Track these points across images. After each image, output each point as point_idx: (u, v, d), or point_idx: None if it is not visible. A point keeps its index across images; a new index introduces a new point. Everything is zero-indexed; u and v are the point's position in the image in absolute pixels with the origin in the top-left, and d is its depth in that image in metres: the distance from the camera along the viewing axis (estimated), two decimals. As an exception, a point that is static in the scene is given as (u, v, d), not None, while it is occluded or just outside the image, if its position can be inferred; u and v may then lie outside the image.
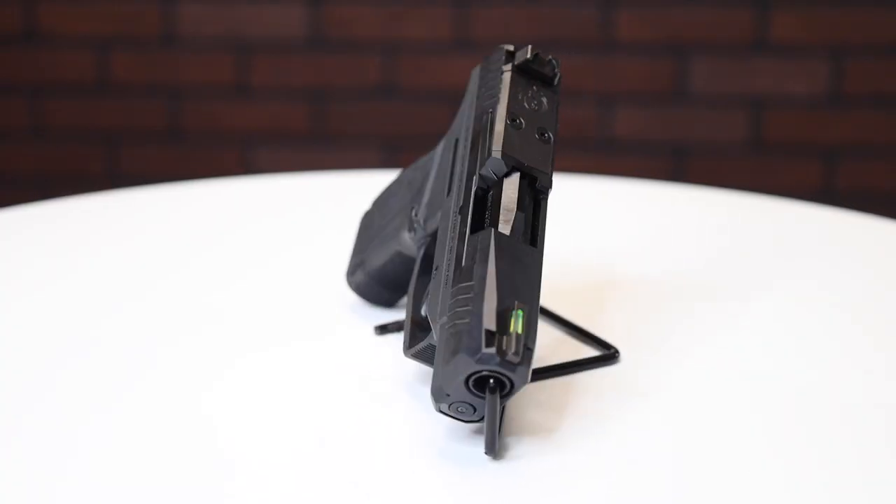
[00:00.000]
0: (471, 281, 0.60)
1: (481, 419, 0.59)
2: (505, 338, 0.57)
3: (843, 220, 1.04)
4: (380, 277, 0.78)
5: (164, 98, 2.10)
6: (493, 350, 0.56)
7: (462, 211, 0.65)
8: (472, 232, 0.63)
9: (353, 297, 0.81)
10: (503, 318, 0.58)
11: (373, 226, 0.80)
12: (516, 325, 0.57)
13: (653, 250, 0.96)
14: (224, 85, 2.06)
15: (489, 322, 0.57)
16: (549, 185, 0.67)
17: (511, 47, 0.73)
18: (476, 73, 0.76)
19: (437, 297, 0.62)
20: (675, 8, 2.00)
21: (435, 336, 0.62)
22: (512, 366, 0.57)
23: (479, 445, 0.61)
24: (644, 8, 2.01)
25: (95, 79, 2.10)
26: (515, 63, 0.72)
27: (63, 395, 0.68)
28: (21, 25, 2.09)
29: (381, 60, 2.04)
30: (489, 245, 0.61)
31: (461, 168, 0.69)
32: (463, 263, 0.62)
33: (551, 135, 0.68)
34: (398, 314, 0.78)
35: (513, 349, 0.56)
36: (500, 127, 0.67)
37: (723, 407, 0.67)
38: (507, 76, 0.71)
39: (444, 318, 0.60)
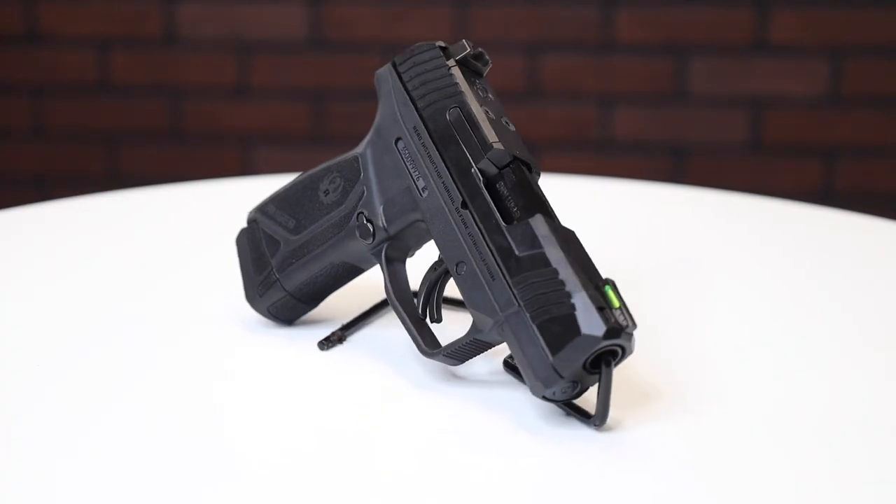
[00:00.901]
0: (546, 267, 0.63)
1: (577, 395, 0.64)
2: (615, 311, 0.62)
3: (843, 221, 1.04)
4: (306, 293, 0.76)
5: (165, 98, 2.10)
6: (614, 324, 0.61)
7: (476, 206, 0.67)
8: (501, 219, 0.66)
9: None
10: (603, 295, 0.63)
11: (273, 243, 0.76)
12: (614, 299, 0.62)
13: (651, 250, 0.96)
14: (224, 85, 2.06)
15: (597, 301, 0.62)
16: (539, 172, 0.70)
17: (443, 43, 0.72)
18: (389, 73, 0.73)
19: (485, 292, 0.65)
20: (675, 8, 2.00)
21: (486, 330, 0.66)
22: (629, 336, 0.62)
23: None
24: (644, 8, 2.01)
25: (95, 79, 2.10)
26: (457, 58, 0.71)
27: (62, 394, 0.68)
28: (22, 26, 2.09)
29: (381, 60, 2.04)
30: (549, 232, 0.65)
31: (437, 166, 0.69)
32: (518, 253, 0.64)
33: (510, 122, 0.69)
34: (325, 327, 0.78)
35: (626, 320, 0.62)
36: (482, 120, 0.69)
37: (722, 407, 0.67)
38: (456, 71, 0.71)
39: (515, 308, 0.64)
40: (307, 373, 0.72)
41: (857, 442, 0.64)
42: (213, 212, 1.06)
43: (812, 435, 0.64)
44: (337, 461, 0.62)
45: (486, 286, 0.66)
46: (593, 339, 0.61)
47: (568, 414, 0.65)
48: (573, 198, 1.11)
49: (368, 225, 0.72)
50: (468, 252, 0.67)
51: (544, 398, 0.64)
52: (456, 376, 0.70)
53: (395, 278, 0.71)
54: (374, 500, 0.58)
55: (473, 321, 0.67)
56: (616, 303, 0.62)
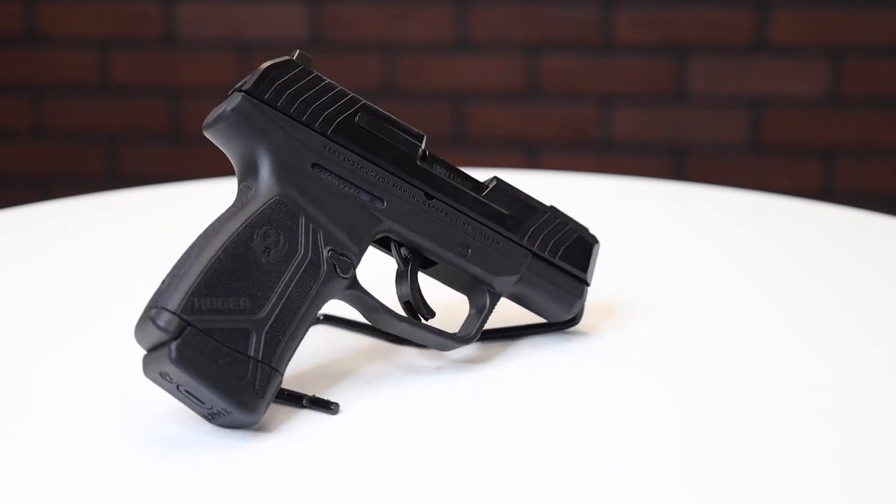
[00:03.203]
0: (536, 213, 0.74)
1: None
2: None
3: (843, 217, 1.04)
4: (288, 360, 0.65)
5: (164, 98, 2.10)
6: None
7: (443, 192, 0.70)
8: (472, 193, 0.72)
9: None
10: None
11: (239, 335, 0.62)
12: None
13: (651, 248, 0.96)
14: (224, 85, 2.06)
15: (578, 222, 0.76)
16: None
17: (289, 57, 0.68)
18: (250, 105, 0.66)
19: (500, 258, 0.72)
20: (675, 8, 2.00)
21: (509, 287, 0.72)
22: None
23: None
24: (644, 8, 2.01)
25: (95, 79, 2.10)
26: (311, 67, 0.69)
27: (62, 393, 0.68)
28: (22, 26, 2.10)
29: (381, 60, 2.04)
30: (513, 187, 0.74)
31: (380, 173, 0.68)
32: (507, 213, 0.72)
33: None
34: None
35: None
36: (389, 113, 0.71)
37: (721, 407, 0.68)
38: (331, 82, 0.69)
39: (531, 257, 0.73)
40: (314, 371, 0.72)
41: (856, 441, 0.64)
42: (213, 212, 1.06)
43: (811, 433, 0.64)
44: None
45: (497, 253, 0.72)
46: (598, 246, 0.76)
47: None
48: (574, 195, 1.12)
49: (343, 258, 0.67)
50: (464, 233, 0.71)
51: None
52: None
53: (372, 297, 0.69)
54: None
55: (476, 293, 0.72)
56: None
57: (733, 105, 2.02)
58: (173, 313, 0.61)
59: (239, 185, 0.67)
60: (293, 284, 0.64)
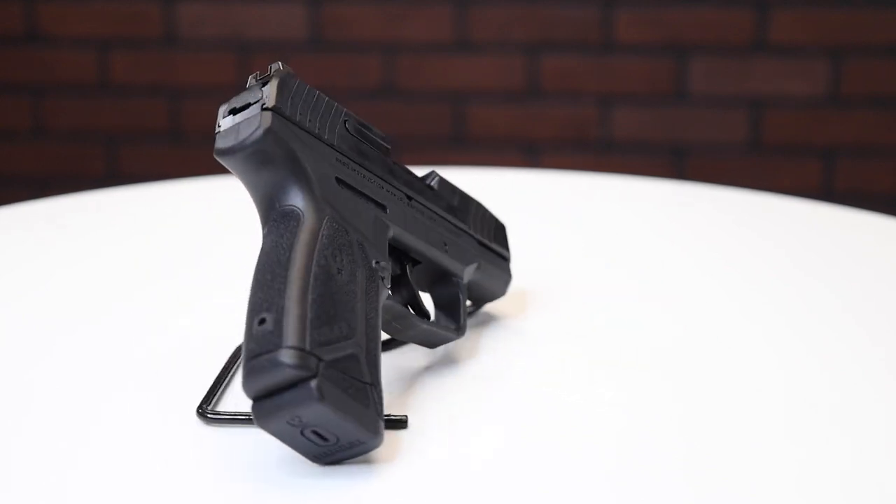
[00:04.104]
0: (472, 203, 0.76)
1: None
2: None
3: (844, 217, 1.04)
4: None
5: (164, 98, 2.10)
6: None
7: (416, 192, 0.71)
8: (429, 189, 0.73)
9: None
10: None
11: (353, 361, 0.58)
12: None
13: (651, 248, 0.96)
14: (224, 85, 2.06)
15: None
16: None
17: (279, 65, 0.65)
18: (280, 122, 0.62)
19: (465, 249, 0.74)
20: (675, 8, 2.00)
21: (470, 274, 0.74)
22: None
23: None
24: (644, 8, 2.01)
25: (95, 79, 2.10)
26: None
27: (62, 393, 0.68)
28: (22, 26, 2.10)
29: (381, 60, 2.04)
30: (448, 180, 0.76)
31: (379, 179, 0.68)
32: (455, 204, 0.75)
33: None
34: None
35: None
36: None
37: (721, 407, 0.68)
38: (318, 90, 0.67)
39: (481, 236, 0.76)
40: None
41: (856, 440, 0.64)
42: (214, 210, 1.06)
43: (811, 433, 0.64)
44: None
45: (462, 244, 0.74)
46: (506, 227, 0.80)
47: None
48: (574, 195, 1.12)
49: (385, 269, 0.64)
50: (439, 230, 0.72)
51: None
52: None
53: (400, 304, 0.68)
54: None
55: (444, 286, 0.72)
56: None
57: (733, 105, 2.02)
58: (304, 350, 0.56)
59: (268, 209, 0.63)
60: (366, 302, 0.61)
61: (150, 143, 2.12)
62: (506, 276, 0.78)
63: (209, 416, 0.64)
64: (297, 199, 0.62)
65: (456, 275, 0.73)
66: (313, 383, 0.55)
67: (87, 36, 2.08)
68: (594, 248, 0.95)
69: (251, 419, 0.59)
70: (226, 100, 0.66)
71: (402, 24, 2.03)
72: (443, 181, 0.74)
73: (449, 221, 0.73)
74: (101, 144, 2.13)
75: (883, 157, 2.03)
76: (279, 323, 0.56)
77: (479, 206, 0.77)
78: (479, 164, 1.97)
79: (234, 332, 0.78)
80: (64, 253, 0.95)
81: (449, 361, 0.72)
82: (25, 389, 0.69)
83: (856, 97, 2.01)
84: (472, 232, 0.75)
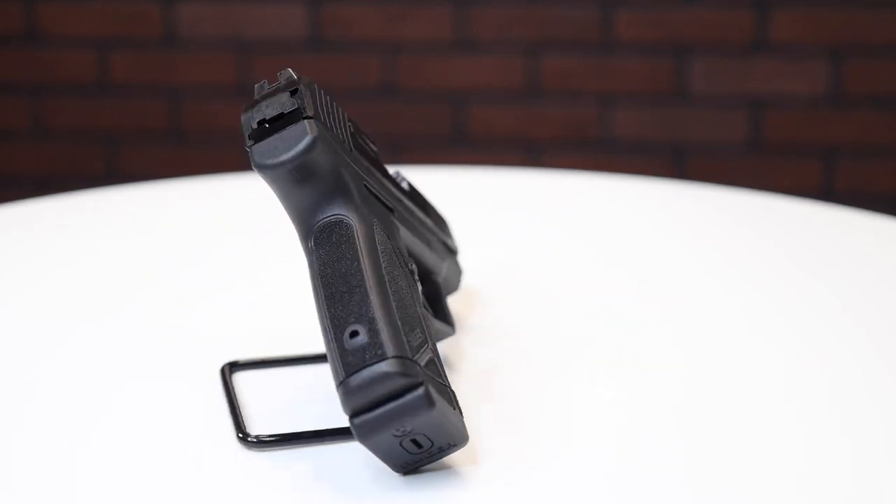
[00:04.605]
0: (422, 195, 0.73)
1: None
2: None
3: (844, 218, 1.04)
4: None
5: (164, 98, 2.10)
6: None
7: (402, 191, 0.70)
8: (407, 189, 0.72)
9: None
10: None
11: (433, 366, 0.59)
12: None
13: (651, 248, 0.96)
14: (224, 85, 2.06)
15: None
16: None
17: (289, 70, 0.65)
18: (322, 131, 0.60)
19: (438, 246, 0.73)
20: (675, 8, 2.00)
21: (445, 269, 0.73)
22: None
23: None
24: (644, 8, 2.01)
25: (95, 79, 2.10)
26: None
27: (62, 393, 0.68)
28: (22, 25, 2.10)
29: (381, 60, 2.04)
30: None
31: (380, 178, 0.67)
32: (420, 202, 0.73)
33: None
34: None
35: None
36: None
37: (722, 407, 0.68)
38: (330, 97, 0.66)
39: (442, 232, 0.74)
40: (305, 375, 0.72)
41: (855, 440, 0.64)
42: (212, 210, 1.06)
43: (811, 433, 0.64)
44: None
45: (437, 241, 0.73)
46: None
47: None
48: (574, 195, 1.12)
49: (416, 268, 0.65)
50: (423, 229, 0.71)
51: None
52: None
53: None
54: None
55: (424, 285, 0.70)
56: None
57: (733, 105, 2.02)
58: (408, 358, 0.55)
59: (309, 220, 0.61)
60: (419, 304, 0.61)
61: (150, 142, 2.12)
62: (460, 270, 0.77)
63: (251, 440, 0.61)
64: (342, 208, 0.61)
65: (435, 272, 0.72)
66: (421, 390, 0.55)
67: (87, 36, 2.08)
68: (594, 248, 0.95)
69: (300, 438, 0.61)
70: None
71: (402, 24, 2.03)
72: (407, 181, 0.72)
73: (425, 220, 0.73)
74: (101, 144, 2.13)
75: (883, 157, 2.03)
76: (375, 333, 0.56)
77: (429, 201, 0.74)
78: (480, 164, 1.97)
79: (234, 332, 0.78)
80: (64, 253, 0.94)
81: (448, 361, 0.72)
82: (25, 389, 0.69)
83: (856, 97, 2.01)
84: (436, 229, 0.74)
